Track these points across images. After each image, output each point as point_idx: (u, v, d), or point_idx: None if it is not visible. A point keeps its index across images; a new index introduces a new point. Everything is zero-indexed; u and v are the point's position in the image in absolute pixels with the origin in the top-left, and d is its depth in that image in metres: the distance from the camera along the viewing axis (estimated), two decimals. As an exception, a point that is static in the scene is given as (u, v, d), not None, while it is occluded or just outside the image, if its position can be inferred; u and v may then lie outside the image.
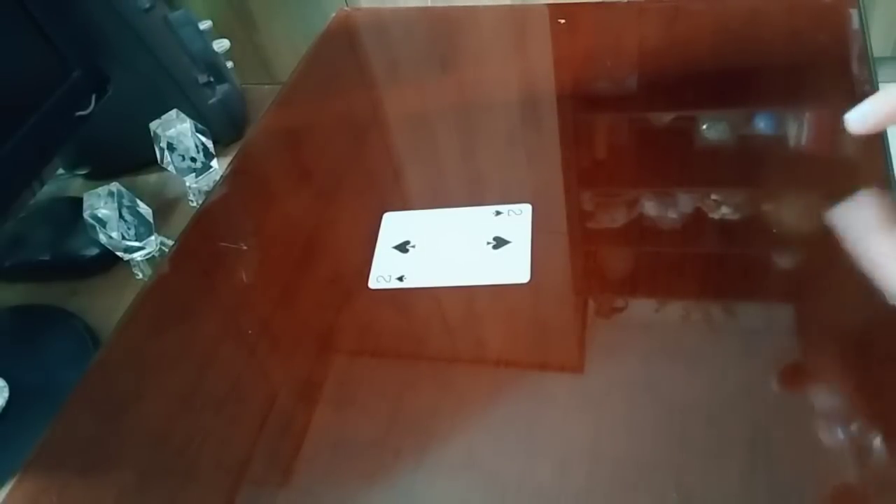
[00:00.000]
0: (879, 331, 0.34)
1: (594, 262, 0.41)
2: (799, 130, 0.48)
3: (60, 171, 0.73)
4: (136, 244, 0.56)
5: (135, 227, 0.56)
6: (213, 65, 0.74)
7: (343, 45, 0.65)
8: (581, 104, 0.53)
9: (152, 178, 0.72)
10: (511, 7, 0.64)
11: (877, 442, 0.30)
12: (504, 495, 0.31)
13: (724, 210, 0.41)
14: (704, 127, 0.49)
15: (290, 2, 1.40)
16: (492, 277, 0.40)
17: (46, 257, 0.62)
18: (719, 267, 0.39)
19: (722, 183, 0.43)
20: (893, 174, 0.41)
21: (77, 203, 0.56)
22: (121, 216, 0.55)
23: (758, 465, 0.30)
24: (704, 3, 0.58)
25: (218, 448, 0.35)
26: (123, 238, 0.55)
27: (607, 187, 0.45)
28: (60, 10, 0.57)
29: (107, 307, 0.57)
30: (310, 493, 0.33)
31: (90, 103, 0.58)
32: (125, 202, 0.56)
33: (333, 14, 0.68)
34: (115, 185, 0.55)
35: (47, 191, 0.72)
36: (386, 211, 0.45)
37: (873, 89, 0.47)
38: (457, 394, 0.35)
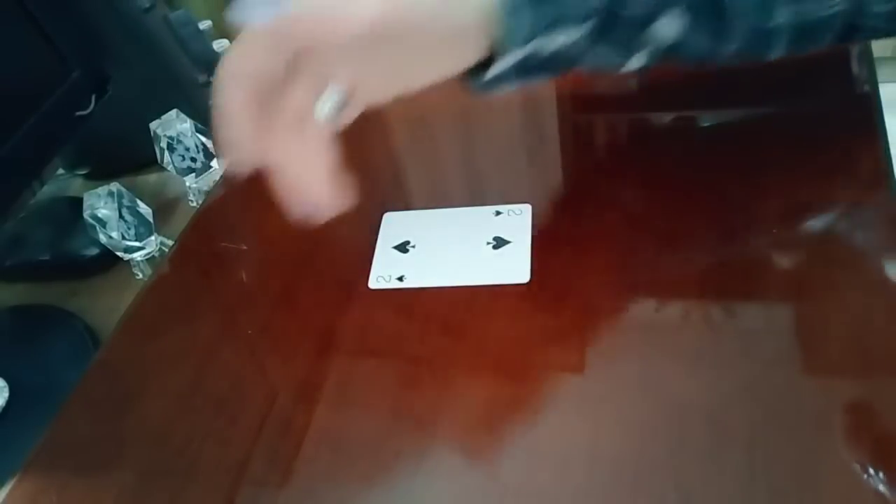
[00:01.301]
0: (879, 331, 0.34)
1: (594, 262, 0.41)
2: (799, 130, 0.48)
3: (60, 171, 0.73)
4: (136, 244, 0.56)
5: (135, 227, 0.56)
6: (213, 65, 0.74)
7: (343, 45, 0.65)
8: (581, 104, 0.53)
9: (152, 178, 0.71)
10: (511, 7, 0.64)
11: (874, 440, 0.30)
12: (504, 495, 0.31)
13: (725, 210, 0.41)
14: (704, 127, 0.49)
15: (290, 2, 1.40)
16: (492, 277, 0.40)
17: (46, 257, 0.62)
18: (719, 267, 0.39)
19: (722, 183, 0.43)
20: (893, 174, 0.41)
21: (77, 203, 0.56)
22: (121, 216, 0.55)
23: (757, 465, 0.30)
24: (704, 3, 0.58)
25: (218, 448, 0.35)
26: (123, 238, 0.55)
27: (607, 187, 0.45)
28: (60, 10, 0.57)
29: (107, 307, 0.57)
30: (310, 493, 0.33)
31: (90, 103, 0.58)
32: (125, 202, 0.56)
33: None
34: (115, 185, 0.55)
35: (47, 191, 0.72)
36: (386, 211, 0.45)
37: (873, 89, 0.47)
38: (457, 394, 0.35)
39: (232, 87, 0.34)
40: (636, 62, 0.38)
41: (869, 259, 0.37)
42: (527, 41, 0.34)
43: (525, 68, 0.36)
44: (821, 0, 0.37)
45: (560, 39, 0.35)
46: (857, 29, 0.39)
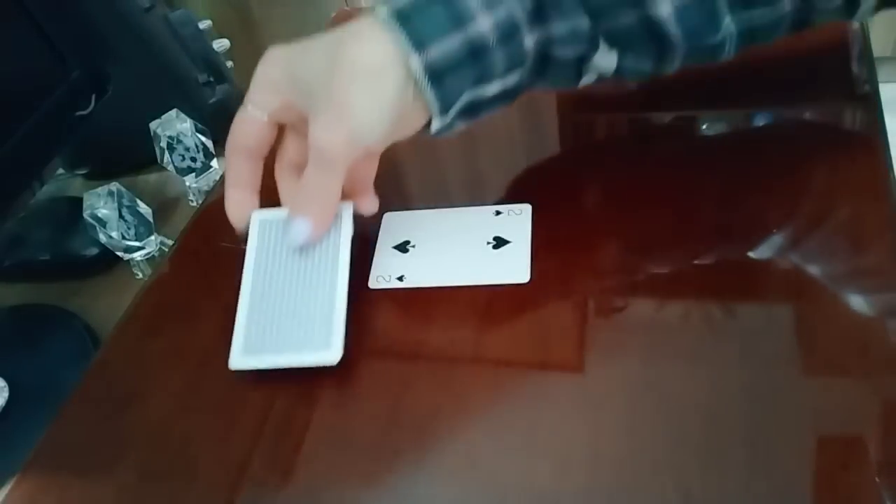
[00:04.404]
0: (879, 331, 0.34)
1: (594, 262, 0.41)
2: (799, 130, 0.48)
3: (60, 171, 0.73)
4: (136, 244, 0.56)
5: (135, 227, 0.56)
6: (213, 65, 0.75)
7: (343, 45, 0.65)
8: (581, 104, 0.53)
9: (152, 178, 0.72)
10: (511, 7, 0.64)
11: (875, 441, 0.30)
12: (504, 495, 0.31)
13: (725, 209, 0.41)
14: (704, 127, 0.49)
15: (290, 2, 1.40)
16: (492, 277, 0.40)
17: (46, 257, 0.62)
18: (719, 267, 0.39)
19: (722, 182, 0.43)
20: (893, 173, 0.41)
21: (77, 203, 0.56)
22: (121, 216, 0.55)
23: (758, 465, 0.30)
24: (704, 3, 0.58)
25: (218, 448, 0.35)
26: (123, 238, 0.55)
27: (607, 187, 0.45)
28: (60, 10, 0.57)
29: (107, 307, 0.57)
30: (310, 493, 0.33)
31: (90, 103, 0.58)
32: (125, 202, 0.56)
33: (333, 14, 0.68)
34: (115, 185, 0.56)
35: (47, 191, 0.72)
36: (386, 211, 0.45)
37: (873, 89, 0.47)
38: (457, 394, 0.35)
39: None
40: (587, 81, 0.40)
41: (869, 258, 0.37)
42: (456, 104, 0.36)
43: (471, 112, 0.38)
44: (771, 4, 0.37)
45: (493, 88, 0.37)
46: (807, 23, 0.39)
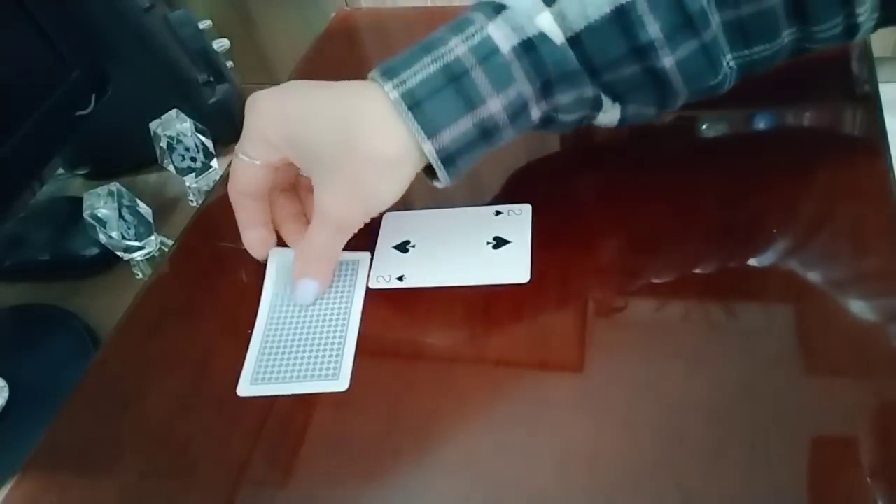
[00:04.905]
0: (879, 331, 0.34)
1: (594, 262, 0.41)
2: (799, 130, 0.48)
3: (60, 171, 0.73)
4: (136, 244, 0.56)
5: (135, 226, 0.56)
6: (213, 65, 0.75)
7: (343, 45, 0.65)
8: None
9: (152, 178, 0.72)
10: (511, 7, 0.64)
11: (875, 440, 0.30)
12: (504, 495, 0.31)
13: (725, 210, 0.41)
14: (704, 127, 0.49)
15: (290, 2, 1.40)
16: (492, 277, 0.40)
17: (46, 257, 0.62)
18: (719, 267, 0.39)
19: (722, 182, 0.43)
20: (893, 173, 0.41)
21: (77, 203, 0.56)
22: (121, 216, 0.55)
23: (758, 465, 0.30)
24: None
25: (218, 448, 0.35)
26: (123, 238, 0.55)
27: (607, 187, 0.45)
28: (60, 9, 0.57)
29: (107, 307, 0.57)
30: (310, 493, 0.33)
31: (90, 103, 0.58)
32: (125, 202, 0.56)
33: (333, 14, 0.68)
34: (115, 185, 0.56)
35: (47, 191, 0.72)
36: (386, 211, 0.45)
37: (873, 89, 0.47)
38: (457, 394, 0.35)
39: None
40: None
41: (870, 259, 0.37)
42: (467, 167, 0.38)
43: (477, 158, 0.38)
44: (769, 38, 0.38)
45: (500, 144, 0.38)
46: (808, 51, 0.40)
